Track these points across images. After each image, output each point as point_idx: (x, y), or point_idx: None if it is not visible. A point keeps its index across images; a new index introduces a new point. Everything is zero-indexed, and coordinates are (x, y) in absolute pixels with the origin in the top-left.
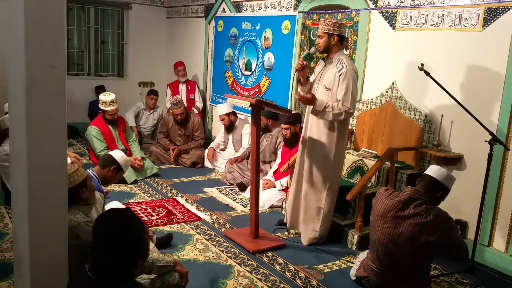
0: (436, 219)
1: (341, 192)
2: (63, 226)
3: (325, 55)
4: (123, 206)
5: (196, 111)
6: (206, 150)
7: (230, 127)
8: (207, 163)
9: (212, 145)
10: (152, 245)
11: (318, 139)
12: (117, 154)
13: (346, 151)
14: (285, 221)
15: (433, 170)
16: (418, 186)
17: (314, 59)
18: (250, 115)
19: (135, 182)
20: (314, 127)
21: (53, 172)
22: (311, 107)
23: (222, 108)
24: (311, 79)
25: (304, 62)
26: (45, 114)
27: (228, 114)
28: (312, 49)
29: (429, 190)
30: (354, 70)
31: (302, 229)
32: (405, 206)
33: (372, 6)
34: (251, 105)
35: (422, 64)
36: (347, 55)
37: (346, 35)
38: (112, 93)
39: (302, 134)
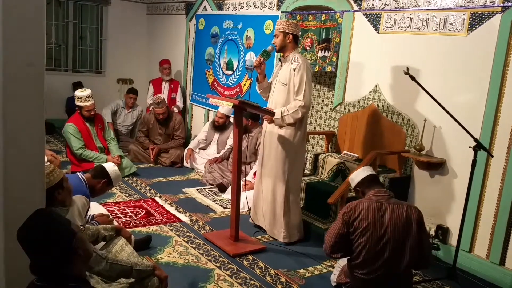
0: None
1: (323, 196)
2: None
3: (282, 55)
4: (101, 208)
5: (176, 110)
6: (186, 150)
7: (221, 127)
8: (186, 163)
9: (191, 145)
10: (130, 248)
11: (274, 130)
12: (111, 168)
13: (328, 154)
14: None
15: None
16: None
17: (272, 57)
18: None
19: None
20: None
21: (30, 173)
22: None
23: (225, 109)
24: (270, 80)
25: (261, 59)
26: (23, 114)
27: (227, 116)
28: (269, 47)
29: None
30: (307, 65)
31: (266, 224)
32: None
33: (356, 8)
34: (233, 106)
35: (408, 68)
36: (326, 56)
37: (330, 37)
38: (88, 89)
39: (263, 127)
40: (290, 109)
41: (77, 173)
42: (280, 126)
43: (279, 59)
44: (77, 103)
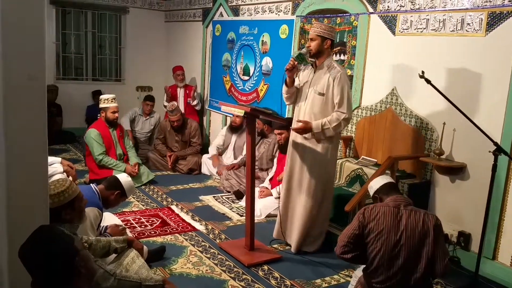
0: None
1: (340, 202)
2: None
3: (314, 60)
4: (115, 218)
5: (198, 107)
6: (204, 157)
7: (238, 128)
8: (204, 170)
9: (213, 151)
10: (142, 261)
11: (308, 143)
12: (124, 179)
13: (345, 159)
14: (274, 236)
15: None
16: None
17: (306, 61)
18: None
19: None
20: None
21: (33, 186)
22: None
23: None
24: (296, 84)
25: (295, 62)
26: (24, 130)
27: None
28: (304, 49)
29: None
30: (346, 75)
31: (293, 237)
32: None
33: (371, 10)
34: (245, 113)
35: (423, 72)
36: (343, 60)
37: (345, 40)
38: None
39: (291, 138)
40: (332, 122)
41: (91, 184)
42: (318, 141)
43: (311, 65)
44: (103, 105)
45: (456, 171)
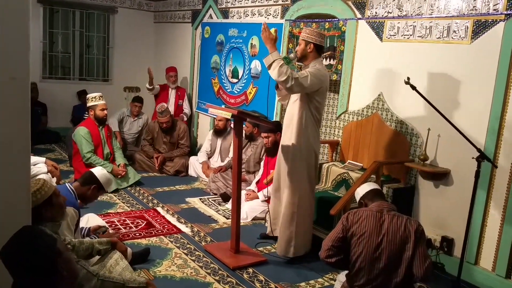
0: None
1: (325, 206)
2: None
3: (302, 64)
4: (99, 219)
5: (185, 118)
6: (191, 159)
7: (222, 132)
8: (191, 172)
9: (203, 158)
10: (125, 263)
11: (290, 142)
12: (99, 172)
13: (332, 163)
14: (267, 232)
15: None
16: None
17: (293, 65)
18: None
19: (115, 191)
20: (287, 131)
21: (15, 192)
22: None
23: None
24: None
25: None
26: (7, 129)
27: (227, 119)
28: (292, 55)
29: None
30: (321, 72)
31: (279, 238)
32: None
33: (359, 16)
34: (232, 116)
35: (408, 78)
36: (332, 65)
37: (335, 45)
38: None
39: (281, 141)
40: (284, 67)
41: (65, 183)
42: (268, 67)
43: (301, 68)
44: (91, 104)
45: (440, 176)
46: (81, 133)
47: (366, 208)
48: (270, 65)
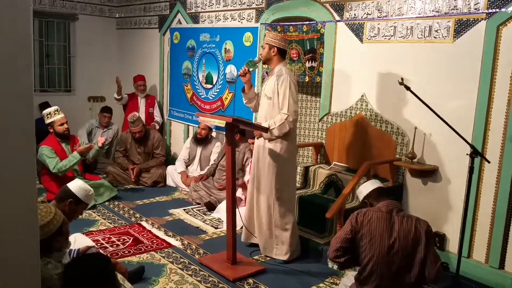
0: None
1: (316, 209)
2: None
3: (271, 68)
4: (87, 239)
5: (157, 126)
6: (168, 168)
7: (203, 140)
8: (169, 182)
9: (181, 168)
10: (128, 285)
11: (264, 145)
12: (73, 184)
13: (318, 166)
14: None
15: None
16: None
17: (256, 67)
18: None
19: (93, 207)
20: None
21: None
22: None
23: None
24: (257, 91)
25: (247, 69)
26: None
27: (210, 129)
28: (256, 58)
29: None
30: (291, 78)
31: (260, 242)
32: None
33: (338, 18)
34: (226, 124)
35: (402, 79)
36: (314, 67)
37: (315, 47)
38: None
39: (255, 142)
40: (277, 122)
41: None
42: (269, 140)
43: (266, 72)
44: (48, 120)
45: (429, 173)
46: (44, 152)
47: (374, 208)
48: (271, 135)
